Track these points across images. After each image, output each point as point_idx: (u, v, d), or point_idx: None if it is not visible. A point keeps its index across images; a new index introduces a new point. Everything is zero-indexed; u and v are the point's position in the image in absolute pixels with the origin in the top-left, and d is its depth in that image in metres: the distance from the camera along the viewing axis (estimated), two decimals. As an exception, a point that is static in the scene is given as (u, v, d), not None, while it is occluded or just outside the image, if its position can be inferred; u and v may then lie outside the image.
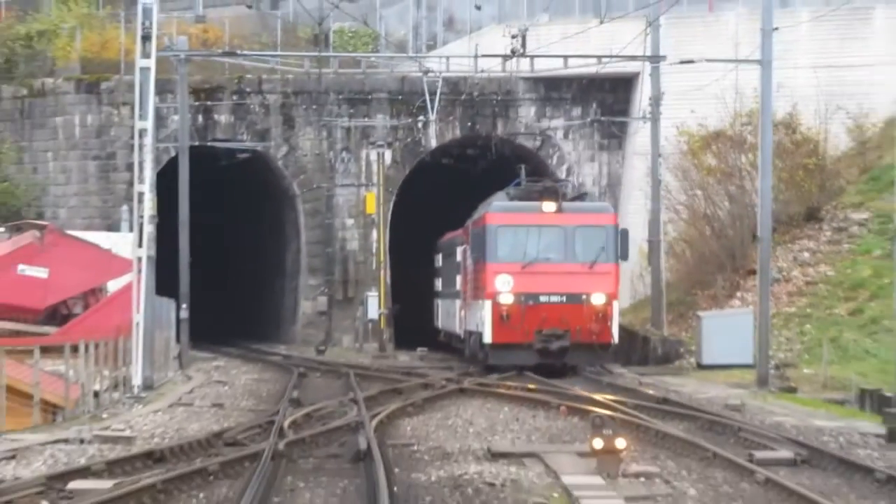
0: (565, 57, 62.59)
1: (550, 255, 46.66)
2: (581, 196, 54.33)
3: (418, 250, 72.20)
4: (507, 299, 45.15)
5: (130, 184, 56.78)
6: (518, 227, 46.76)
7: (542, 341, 44.99)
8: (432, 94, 67.79)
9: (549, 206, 46.89)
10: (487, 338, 46.69)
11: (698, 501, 25.54)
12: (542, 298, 45.60)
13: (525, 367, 46.01)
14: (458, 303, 62.57)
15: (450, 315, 67.70)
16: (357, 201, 71.04)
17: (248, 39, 70.74)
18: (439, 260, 72.14)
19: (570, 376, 49.38)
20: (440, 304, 74.13)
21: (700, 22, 65.35)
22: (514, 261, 46.24)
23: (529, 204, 48.34)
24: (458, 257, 62.92)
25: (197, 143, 64.56)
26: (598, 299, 45.90)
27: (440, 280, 74.20)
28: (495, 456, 31.15)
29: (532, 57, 61.91)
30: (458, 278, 62.48)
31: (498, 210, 48.59)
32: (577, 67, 65.62)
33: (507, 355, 45.88)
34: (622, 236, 48.07)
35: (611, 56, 60.23)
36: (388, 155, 70.40)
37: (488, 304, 45.87)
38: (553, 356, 45.05)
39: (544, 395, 43.65)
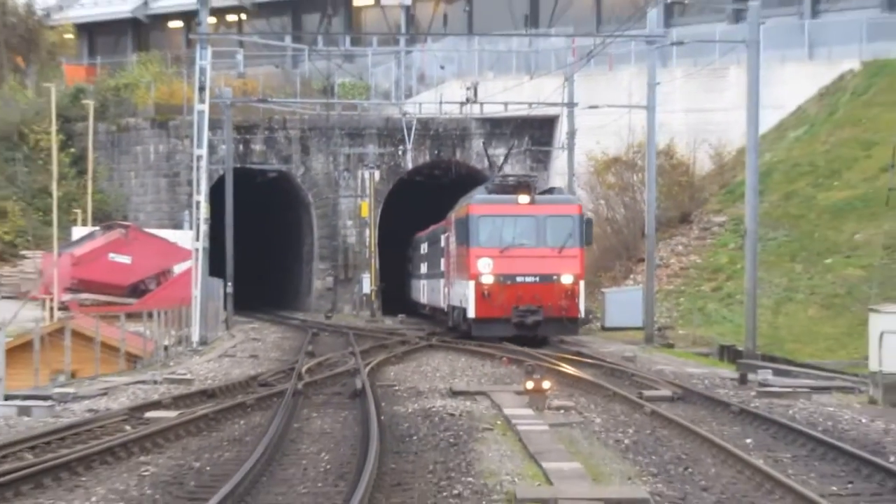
0: (505, 104, 62.46)
1: (525, 241, 43.13)
2: (550, 189, 50.73)
3: (399, 244, 71.87)
4: (488, 279, 42.02)
5: (190, 195, 56.62)
6: (497, 216, 43.42)
7: (519, 316, 41.64)
8: (408, 130, 67.87)
9: (523, 198, 43.47)
10: (471, 313, 43.20)
11: (602, 427, 25.55)
12: (519, 279, 42.30)
13: (503, 338, 42.30)
14: (441, 282, 57.98)
15: (434, 291, 62.20)
16: (354, 208, 71.06)
17: (276, 90, 70.65)
18: (424, 248, 67.04)
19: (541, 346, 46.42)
20: (425, 283, 68.05)
21: (603, 77, 65.19)
22: (494, 246, 42.82)
23: (506, 196, 44.91)
24: (442, 244, 58.09)
25: (238, 166, 64.50)
26: (566, 279, 42.61)
27: (425, 264, 67.67)
28: (455, 394, 31.31)
29: (481, 103, 61.84)
30: (442, 261, 57.64)
31: (479, 202, 45.27)
32: (514, 111, 65.43)
33: (488, 328, 42.44)
34: (586, 224, 44.81)
35: (538, 102, 60.08)
36: (376, 174, 70.35)
37: (472, 283, 42.55)
38: (528, 328, 41.75)
39: (491, 349, 43.30)
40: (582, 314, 45.64)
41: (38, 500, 18.73)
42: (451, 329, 53.38)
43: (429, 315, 66.50)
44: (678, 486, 19.08)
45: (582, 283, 43.88)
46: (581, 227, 44.12)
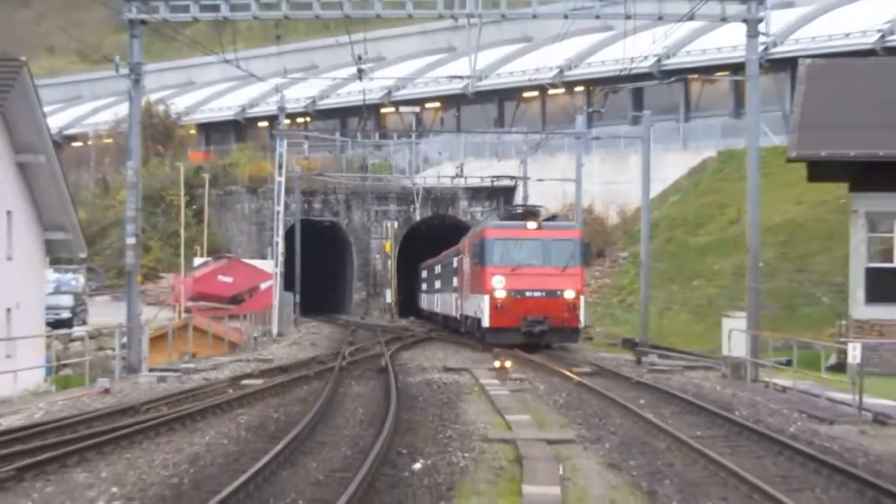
0: (481, 177, 62.60)
1: (533, 261, 36.77)
2: (553, 217, 43.05)
3: (410, 270, 71.48)
4: (501, 294, 35.83)
5: (272, 237, 56.64)
6: (509, 239, 37.10)
7: (527, 326, 35.59)
8: (417, 194, 68.22)
9: (531, 224, 37.48)
10: (486, 322, 36.79)
11: (545, 391, 25.50)
12: (527, 293, 36.08)
13: (513, 345, 36.26)
14: (454, 295, 50.16)
15: (446, 303, 54.61)
16: (380, 246, 70.98)
17: (329, 168, 70.76)
18: (436, 269, 61.02)
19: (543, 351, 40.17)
20: (437, 297, 60.67)
21: (546, 160, 64.94)
22: (506, 265, 36.52)
23: (516, 223, 38.62)
24: (454, 265, 50.58)
25: (304, 218, 64.47)
26: (569, 294, 36.34)
27: (437, 281, 60.34)
28: (447, 370, 31.20)
29: (465, 177, 62.05)
30: (455, 279, 49.99)
31: (493, 227, 38.87)
32: (486, 182, 65.35)
33: (500, 336, 36.16)
34: (585, 247, 38.48)
35: (503, 176, 60.06)
36: (395, 224, 70.49)
37: (486, 297, 36.31)
38: (535, 337, 35.78)
39: (471, 341, 42.87)
40: (581, 324, 39.08)
41: (172, 438, 18.78)
42: (463, 334, 45.77)
43: (440, 321, 59.37)
44: (595, 431, 19.14)
45: (582, 298, 38.02)
46: (581, 250, 38.18)
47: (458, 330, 47.64)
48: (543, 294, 36.77)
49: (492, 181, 62.41)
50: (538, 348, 35.91)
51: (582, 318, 38.21)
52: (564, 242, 37.83)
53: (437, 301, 60.22)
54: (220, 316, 49.59)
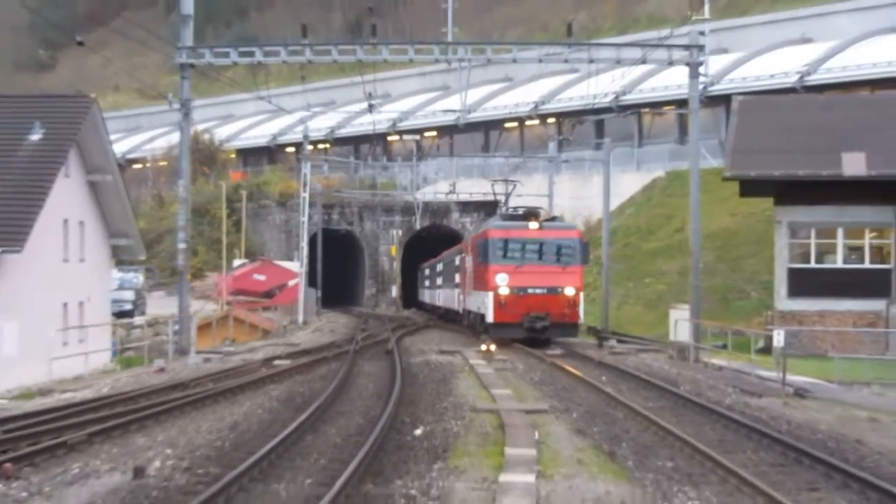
0: (470, 194, 62.66)
1: (535, 259, 32.59)
2: (553, 218, 38.37)
3: (411, 269, 70.81)
4: (504, 291, 31.84)
5: (297, 243, 56.60)
6: (511, 238, 32.78)
7: (530, 321, 31.68)
8: (417, 208, 68.23)
9: (533, 224, 33.20)
10: (489, 318, 32.70)
11: (523, 370, 25.42)
12: (530, 290, 32.04)
13: (516, 340, 32.77)
14: (456, 291, 45.40)
15: (448, 298, 49.66)
16: (387, 250, 70.57)
17: (345, 185, 70.60)
18: (438, 268, 56.02)
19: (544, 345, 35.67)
20: (439, 292, 55.16)
21: (525, 178, 64.50)
22: (509, 263, 32.29)
23: (519, 223, 34.09)
24: (457, 263, 45.45)
25: (324, 227, 64.52)
26: (569, 291, 32.21)
27: (440, 278, 54.98)
28: (442, 352, 31.05)
29: (457, 194, 62.17)
30: (457, 276, 45.04)
31: (497, 227, 34.34)
32: (473, 198, 65.37)
33: (503, 331, 32.41)
34: (584, 247, 34.03)
35: (488, 193, 59.87)
36: (399, 232, 70.22)
37: (490, 294, 32.26)
38: (537, 332, 32.06)
39: (462, 328, 42.76)
40: (581, 320, 34.56)
41: (216, 409, 18.79)
42: (465, 327, 41.04)
43: (441, 313, 54.46)
44: (564, 403, 19.16)
45: (581, 295, 33.66)
46: (581, 249, 33.56)
47: (460, 322, 43.36)
48: (545, 291, 32.39)
49: (483, 196, 62.38)
50: (539, 343, 31.90)
51: (581, 313, 33.82)
52: (565, 242, 33.30)
53: (437, 295, 56.76)
54: (255, 308, 49.65)
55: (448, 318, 49.61)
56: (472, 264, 36.95)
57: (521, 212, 35.54)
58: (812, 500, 11.18)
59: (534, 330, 31.69)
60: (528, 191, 60.09)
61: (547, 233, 33.20)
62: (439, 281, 55.28)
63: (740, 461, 13.17)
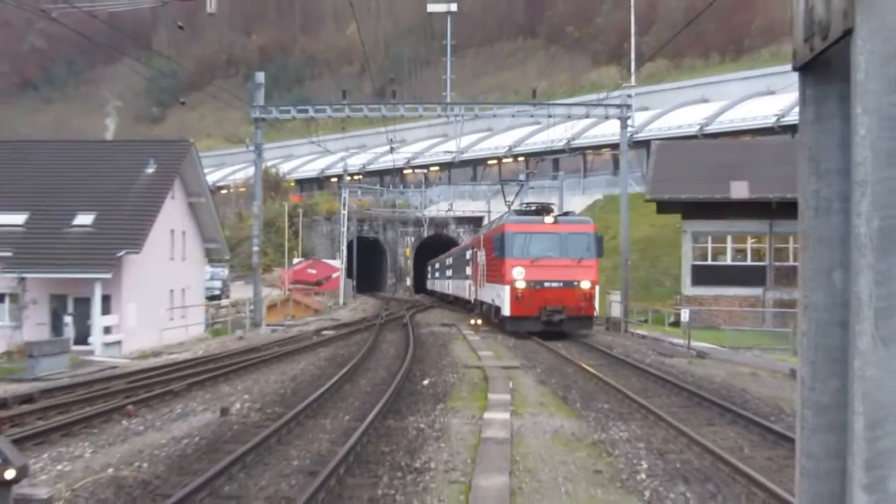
0: (464, 211, 62.69)
1: (551, 253, 25.73)
2: (567, 213, 31.50)
3: (421, 265, 70.79)
4: (521, 284, 25.07)
5: (338, 247, 56.38)
6: (528, 233, 25.74)
7: (547, 315, 25.00)
8: (425, 221, 68.01)
9: (548, 219, 26.40)
10: (506, 311, 25.67)
11: (502, 339, 25.24)
12: (546, 284, 25.26)
13: (533, 333, 25.30)
14: (467, 282, 36.91)
15: (459, 288, 41.09)
16: (404, 252, 70.34)
17: (374, 205, 70.44)
18: (448, 261, 47.25)
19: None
20: (450, 282, 46.79)
21: (502, 200, 64.91)
22: (526, 257, 25.40)
23: (535, 217, 26.85)
24: (468, 257, 37.08)
25: (358, 236, 64.20)
26: (585, 284, 25.39)
27: (449, 270, 46.66)
28: (443, 325, 30.93)
29: (454, 211, 62.09)
30: (468, 269, 36.64)
31: (513, 222, 26.91)
32: (467, 214, 65.42)
33: (520, 324, 25.59)
34: (598, 240, 26.61)
35: (476, 211, 60.04)
36: (412, 238, 69.98)
37: (507, 288, 25.32)
38: (554, 325, 25.37)
39: (457, 306, 42.67)
40: (596, 313, 26.71)
41: (280, 365, 18.70)
42: (480, 317, 31.94)
43: (451, 300, 46.86)
44: (531, 362, 19.08)
45: (597, 288, 26.01)
46: (595, 243, 26.07)
47: (475, 312, 35.16)
48: (561, 284, 25.05)
49: (472, 212, 62.11)
50: (556, 336, 24.69)
51: (596, 306, 25.96)
52: (580, 236, 25.76)
53: (439, 284, 50.91)
54: (308, 293, 49.48)
55: (447, 301, 48.91)
56: (485, 259, 29.83)
57: (533, 208, 28.28)
58: (710, 431, 11.09)
59: (551, 323, 24.66)
60: (504, 208, 60.10)
61: (562, 227, 25.92)
62: (444, 273, 51.53)
63: (657, 404, 13.10)
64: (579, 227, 26.26)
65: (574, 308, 24.49)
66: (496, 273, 26.74)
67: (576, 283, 24.71)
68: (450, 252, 49.37)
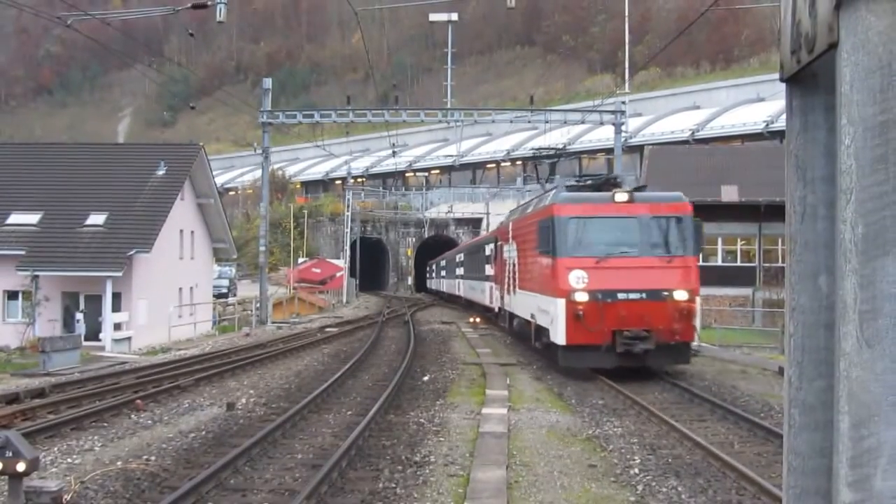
0: (464, 213, 62.66)
1: (626, 249, 13.94)
2: (642, 188, 16.29)
3: (422, 265, 70.76)
4: (581, 297, 13.45)
5: (342, 246, 56.34)
6: (590, 218, 13.83)
7: (624, 343, 13.63)
8: (426, 223, 67.95)
9: (621, 196, 14.25)
10: (560, 338, 13.82)
11: (500, 336, 25.12)
12: (620, 295, 13.62)
13: (600, 370, 14.38)
14: (487, 284, 27.66)
15: (474, 290, 32.60)
16: (405, 252, 70.16)
17: (377, 207, 70.33)
18: (459, 257, 40.29)
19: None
20: (461, 282, 38.76)
21: (500, 202, 64.61)
22: (588, 255, 13.61)
23: (598, 194, 14.78)
24: (487, 252, 27.68)
25: (361, 236, 64.03)
26: (680, 295, 13.78)
27: (461, 268, 38.49)
28: (443, 323, 30.90)
29: (454, 213, 62.06)
30: (487, 267, 27.44)
31: (566, 201, 14.45)
32: (467, 216, 65.42)
33: (581, 357, 13.87)
34: (698, 228, 14.49)
35: (475, 213, 60.02)
36: (413, 239, 69.87)
37: (561, 302, 13.66)
38: (635, 358, 13.74)
39: (457, 305, 42.61)
40: (697, 339, 15.62)
41: (285, 361, 18.67)
42: (510, 333, 23.27)
43: (445, 297, 42.32)
44: (528, 359, 18.99)
45: (698, 301, 14.95)
46: (694, 231, 14.96)
47: (494, 320, 26.73)
48: (644, 296, 15.02)
49: (472, 215, 62.14)
50: (640, 372, 15.47)
51: (698, 328, 15.56)
52: (671, 221, 15.25)
53: (454, 286, 43.36)
54: (313, 291, 49.43)
55: (447, 299, 48.60)
56: (518, 255, 19.81)
57: (597, 181, 17.51)
58: (701, 427, 11.08)
59: (630, 355, 14.71)
60: (503, 210, 60.19)
61: (642, 207, 15.39)
62: (452, 272, 47.31)
63: (650, 400, 13.08)
64: (669, 206, 15.34)
65: (665, 331, 14.53)
66: (540, 278, 16.49)
67: (666, 294, 14.66)
68: (459, 247, 43.16)
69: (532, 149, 40.18)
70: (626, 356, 14.45)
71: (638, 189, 15.92)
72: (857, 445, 1.12)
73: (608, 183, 16.42)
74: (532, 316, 17.57)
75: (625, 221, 14.91)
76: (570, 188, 16.75)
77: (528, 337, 18.55)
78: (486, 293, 28.38)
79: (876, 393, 1.11)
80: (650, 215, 15.03)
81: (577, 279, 14.56)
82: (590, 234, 14.88)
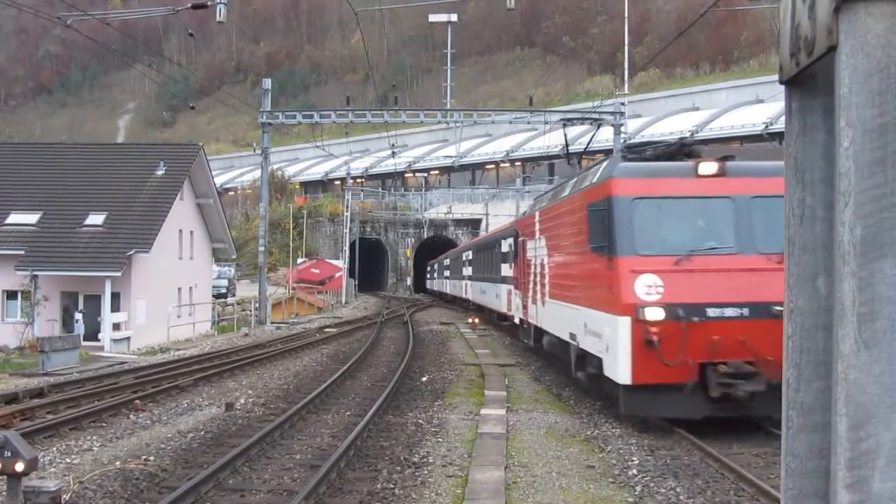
0: (462, 214, 62.64)
1: (718, 244, 7.70)
2: (730, 157, 8.65)
3: (421, 266, 70.66)
4: (655, 314, 7.29)
5: (341, 247, 56.34)
6: (666, 199, 7.57)
7: (722, 383, 7.41)
8: (425, 223, 67.89)
9: (707, 166, 7.85)
10: (622, 374, 7.84)
11: (498, 337, 25.23)
12: (712, 312, 7.43)
13: (685, 420, 8.22)
14: (503, 287, 22.98)
15: (486, 294, 28.20)
16: (404, 252, 70.05)
17: (376, 207, 70.27)
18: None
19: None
20: (468, 284, 34.93)
21: (499, 204, 64.66)
22: (663, 252, 7.51)
23: (677, 165, 8.13)
24: (504, 248, 22.53)
25: (361, 237, 63.97)
26: None
27: (469, 267, 34.35)
28: (442, 323, 30.89)
29: (453, 214, 62.05)
30: (504, 267, 22.39)
31: (630, 174, 8.21)
32: (466, 216, 65.39)
33: (654, 403, 7.88)
34: None
35: (475, 214, 60.03)
36: (413, 240, 69.75)
37: (623, 322, 7.69)
38: (735, 405, 7.57)
39: (456, 305, 42.55)
40: None
41: (284, 361, 18.66)
42: (527, 347, 19.31)
43: (449, 299, 39.60)
44: (526, 359, 19.00)
45: None
46: None
47: (518, 337, 20.80)
48: (747, 312, 8.70)
49: (471, 216, 62.03)
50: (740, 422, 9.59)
51: None
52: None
53: (460, 287, 39.49)
54: (312, 291, 49.42)
55: (447, 300, 48.39)
56: (548, 253, 14.64)
57: (669, 148, 10.63)
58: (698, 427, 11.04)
59: (729, 400, 9.01)
60: (501, 212, 60.30)
61: (739, 183, 9.63)
62: (457, 271, 43.29)
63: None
64: (778, 182, 8.80)
65: (780, 364, 1.71)
66: (587, 285, 11.30)
67: (779, 310, 8.35)
68: (467, 244, 39.78)
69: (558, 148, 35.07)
70: (723, 402, 9.08)
71: (727, 158, 9.99)
72: (855, 447, 1.12)
73: (684, 150, 10.26)
74: (572, 336, 12.00)
75: (716, 204, 9.54)
76: (629, 157, 10.40)
77: (564, 361, 13.34)
78: (501, 298, 23.47)
79: (874, 395, 1.12)
80: (751, 195, 9.52)
81: (649, 288, 9.04)
82: (666, 221, 9.37)
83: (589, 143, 22.46)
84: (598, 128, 20.73)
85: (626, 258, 9.28)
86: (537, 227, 15.91)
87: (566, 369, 13.33)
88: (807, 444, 1.29)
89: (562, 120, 18.47)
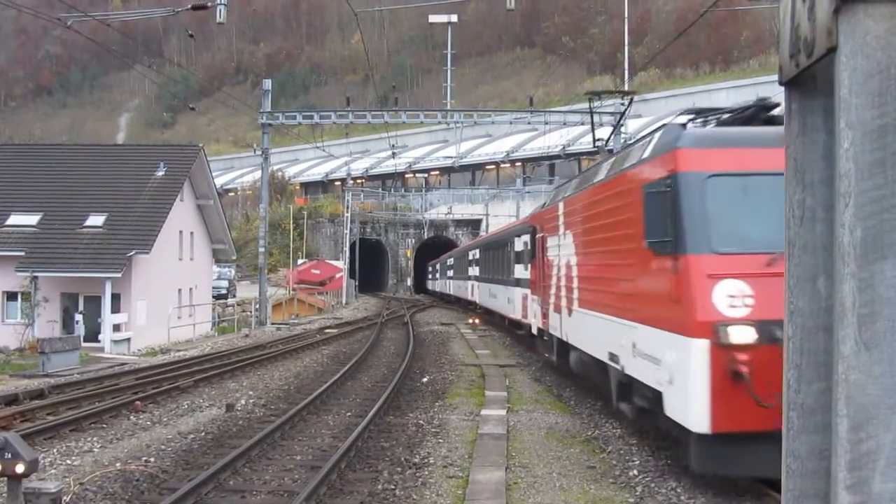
0: (462, 214, 62.62)
1: None
2: None
3: (422, 266, 70.64)
4: (742, 335, 4.13)
5: (342, 247, 56.32)
6: (754, 176, 4.21)
7: None
8: (425, 224, 67.88)
9: None
10: (697, 421, 4.54)
11: (498, 337, 25.22)
12: None
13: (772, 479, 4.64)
14: (518, 292, 19.16)
15: (496, 297, 25.19)
16: (405, 253, 70.02)
17: (376, 208, 70.22)
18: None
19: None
20: (474, 285, 32.28)
21: (500, 204, 64.52)
22: (752, 249, 4.25)
23: (761, 131, 4.65)
24: (518, 247, 19.27)
25: (361, 237, 63.95)
26: None
27: (476, 266, 31.74)
28: (442, 324, 30.86)
29: (453, 214, 62.03)
30: (518, 268, 19.17)
31: (701, 143, 4.84)
32: (466, 217, 65.38)
33: (741, 457, 4.41)
34: None
35: (474, 214, 59.97)
36: (413, 240, 69.76)
37: (700, 346, 4.48)
38: None
39: (457, 306, 42.52)
40: None
41: (284, 362, 18.65)
42: (558, 369, 14.82)
43: (482, 312, 32.46)
44: (526, 360, 18.98)
45: None
46: None
47: (537, 349, 17.34)
48: None
49: (472, 217, 61.97)
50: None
51: None
52: None
53: (465, 288, 36.96)
54: (312, 292, 49.41)
55: (449, 301, 48.21)
56: (577, 251, 11.74)
57: (746, 112, 7.35)
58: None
59: None
60: (501, 212, 60.30)
61: None
62: (461, 271, 40.38)
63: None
64: None
65: None
66: (638, 293, 8.39)
67: None
68: (472, 242, 37.83)
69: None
70: None
71: None
72: (856, 448, 1.13)
73: (758, 118, 7.43)
74: (612, 357, 9.49)
75: None
76: (699, 122, 7.76)
77: (597, 385, 11.26)
78: (514, 303, 20.47)
79: (874, 396, 1.12)
80: None
81: (733, 299, 6.43)
82: (754, 207, 6.64)
83: (614, 130, 20.96)
84: (631, 102, 18.07)
85: (700, 257, 6.56)
86: (562, 220, 12.97)
87: (601, 392, 10.72)
88: (807, 445, 1.29)
89: (587, 93, 14.85)
